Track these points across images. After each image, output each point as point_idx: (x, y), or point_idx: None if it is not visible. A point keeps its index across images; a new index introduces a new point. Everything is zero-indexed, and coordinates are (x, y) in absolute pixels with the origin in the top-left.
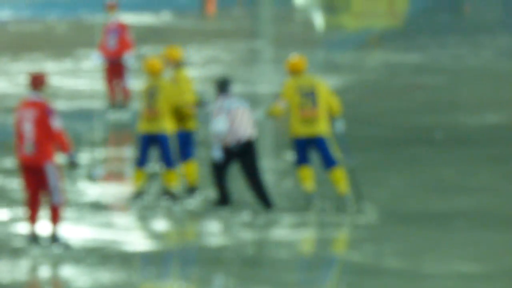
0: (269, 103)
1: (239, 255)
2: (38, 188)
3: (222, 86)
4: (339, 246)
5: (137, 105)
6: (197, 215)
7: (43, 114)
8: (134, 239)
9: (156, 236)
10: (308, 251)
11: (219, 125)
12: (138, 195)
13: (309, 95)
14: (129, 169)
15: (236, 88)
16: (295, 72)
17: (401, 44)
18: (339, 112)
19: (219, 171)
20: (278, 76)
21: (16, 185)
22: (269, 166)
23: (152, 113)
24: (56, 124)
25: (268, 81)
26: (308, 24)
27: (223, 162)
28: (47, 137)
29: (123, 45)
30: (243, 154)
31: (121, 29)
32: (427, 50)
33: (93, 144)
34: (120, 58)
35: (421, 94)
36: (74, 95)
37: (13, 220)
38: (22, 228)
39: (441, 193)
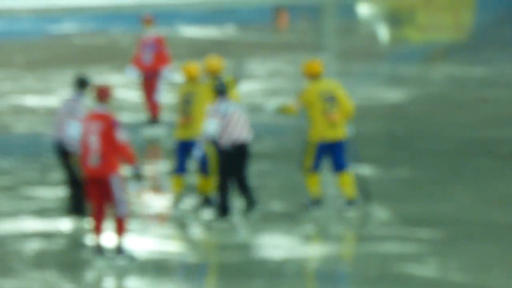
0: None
1: (302, 269)
2: (103, 200)
3: (220, 90)
4: (404, 260)
5: (170, 117)
6: (259, 227)
7: (108, 126)
8: (198, 251)
9: (219, 248)
10: (371, 266)
11: (211, 127)
12: (177, 202)
13: (331, 99)
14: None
15: None
16: (314, 76)
17: (466, 57)
18: (353, 116)
19: (225, 181)
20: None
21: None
22: (332, 180)
23: (187, 120)
24: (121, 136)
25: None
26: (372, 37)
27: (228, 171)
28: (112, 149)
29: (160, 60)
30: (237, 155)
31: (158, 43)
32: (493, 64)
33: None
34: (156, 72)
35: (487, 107)
36: (138, 107)
37: (78, 231)
38: (88, 239)
39: (506, 207)
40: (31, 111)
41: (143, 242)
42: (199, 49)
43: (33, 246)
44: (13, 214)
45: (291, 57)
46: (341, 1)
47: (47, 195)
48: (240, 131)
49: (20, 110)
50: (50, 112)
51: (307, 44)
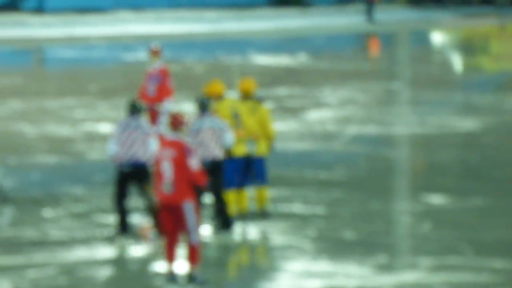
0: (397, 143)
1: None
2: (176, 227)
3: (202, 106)
4: None
5: None
6: (332, 256)
7: (182, 153)
8: (272, 278)
9: (299, 275)
10: None
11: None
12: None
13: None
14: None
15: (371, 129)
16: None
17: None
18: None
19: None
20: (415, 117)
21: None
22: (404, 208)
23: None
24: (194, 163)
25: (404, 122)
26: (445, 65)
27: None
28: (185, 176)
29: (162, 92)
30: (209, 172)
31: (162, 75)
32: None
33: None
34: (157, 104)
35: None
36: None
37: (151, 258)
38: (160, 266)
39: None
40: (105, 139)
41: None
42: (271, 76)
43: (105, 273)
44: (86, 241)
45: (363, 84)
46: (415, 29)
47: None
48: (212, 148)
49: (93, 138)
50: None
51: (378, 71)
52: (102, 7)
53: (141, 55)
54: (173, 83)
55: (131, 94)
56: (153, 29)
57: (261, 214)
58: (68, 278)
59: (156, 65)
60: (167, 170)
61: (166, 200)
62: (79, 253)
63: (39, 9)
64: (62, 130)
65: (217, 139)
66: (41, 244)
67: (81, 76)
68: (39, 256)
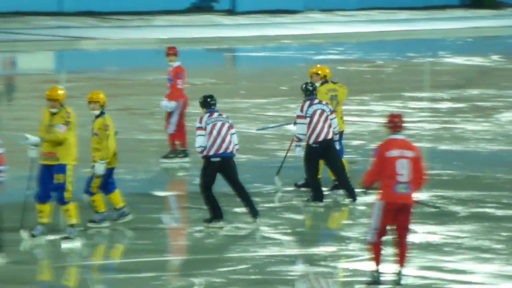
0: None
1: None
2: (401, 226)
3: (206, 102)
4: None
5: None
6: None
7: (418, 155)
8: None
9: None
10: None
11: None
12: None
13: None
14: None
15: None
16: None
17: None
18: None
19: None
20: None
21: None
22: None
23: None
24: (423, 165)
25: None
26: None
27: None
28: (416, 178)
29: (173, 91)
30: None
31: (175, 74)
32: None
33: None
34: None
35: None
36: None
37: (333, 256)
38: (365, 266)
39: None
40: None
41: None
42: (464, 77)
43: (297, 268)
44: (275, 238)
45: None
46: None
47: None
48: (226, 143)
49: (283, 137)
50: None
51: None
52: (293, 9)
53: (331, 55)
54: (182, 83)
55: None
56: (344, 29)
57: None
58: (260, 273)
59: (174, 65)
60: (404, 169)
61: (401, 199)
62: (271, 250)
63: (232, 10)
64: (252, 130)
65: (231, 133)
66: (234, 240)
67: (272, 76)
68: (231, 253)
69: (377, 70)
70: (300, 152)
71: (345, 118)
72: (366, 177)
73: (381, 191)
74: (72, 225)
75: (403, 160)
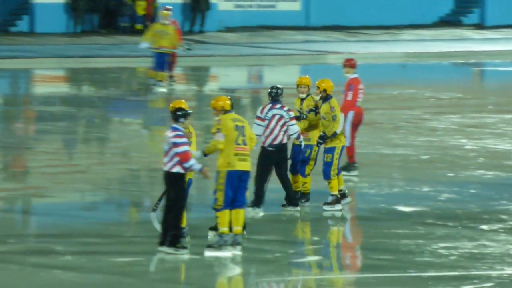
0: None
1: None
2: None
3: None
4: None
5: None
6: None
7: None
8: None
9: None
10: None
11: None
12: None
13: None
14: None
15: None
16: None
17: None
18: None
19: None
20: None
21: None
22: None
23: None
24: None
25: None
26: None
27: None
28: None
29: (343, 103)
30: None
31: (347, 86)
32: None
33: None
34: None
35: None
36: None
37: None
38: None
39: None
40: None
41: None
42: None
43: None
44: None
45: None
46: None
47: None
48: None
49: None
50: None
51: None
52: None
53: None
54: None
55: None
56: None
57: None
58: None
59: (351, 76)
60: None
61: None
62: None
63: (480, 25)
64: (500, 146)
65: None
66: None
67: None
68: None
69: None
70: None
71: None
72: None
73: None
74: (221, 234)
75: None
